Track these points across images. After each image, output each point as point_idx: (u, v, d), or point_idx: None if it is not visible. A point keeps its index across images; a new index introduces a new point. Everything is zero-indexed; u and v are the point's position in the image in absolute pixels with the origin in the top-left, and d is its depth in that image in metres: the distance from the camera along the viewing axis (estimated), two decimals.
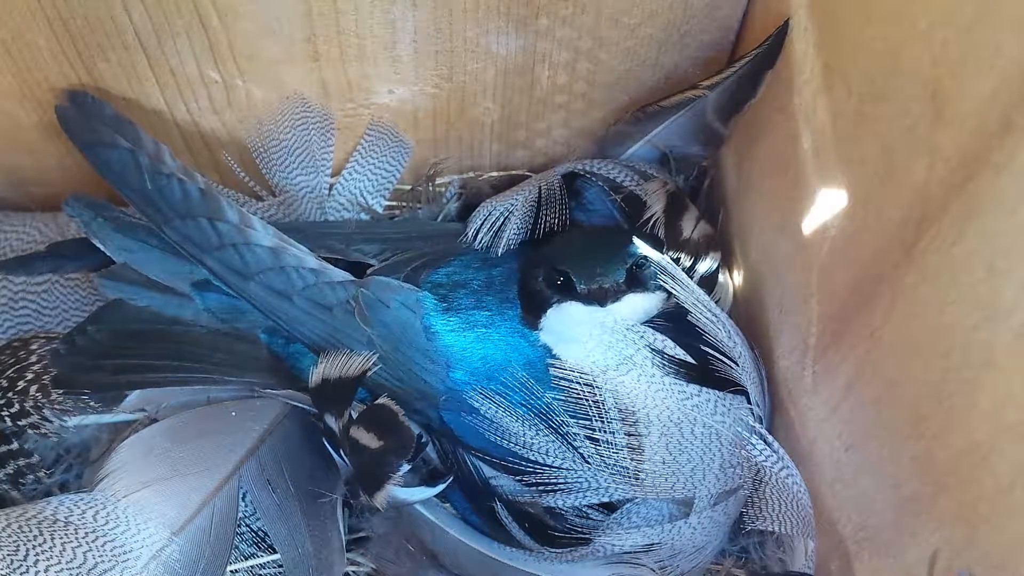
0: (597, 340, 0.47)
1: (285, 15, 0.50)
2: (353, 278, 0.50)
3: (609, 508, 0.48)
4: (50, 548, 0.44)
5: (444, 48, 0.53)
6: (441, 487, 0.49)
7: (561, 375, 0.47)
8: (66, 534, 0.45)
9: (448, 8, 0.50)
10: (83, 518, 0.46)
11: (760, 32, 0.50)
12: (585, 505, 0.48)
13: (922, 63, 0.35)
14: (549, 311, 0.49)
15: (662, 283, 0.48)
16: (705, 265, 0.53)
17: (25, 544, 0.44)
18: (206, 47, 0.51)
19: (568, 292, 0.48)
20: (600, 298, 0.48)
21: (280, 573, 0.50)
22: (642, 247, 0.49)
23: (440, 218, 0.61)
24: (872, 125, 0.39)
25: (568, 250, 0.50)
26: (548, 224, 0.54)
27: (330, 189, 0.59)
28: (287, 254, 0.49)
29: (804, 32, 0.45)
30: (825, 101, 0.43)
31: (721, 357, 0.48)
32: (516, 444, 0.47)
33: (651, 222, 0.53)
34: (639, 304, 0.49)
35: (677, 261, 0.51)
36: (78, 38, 0.50)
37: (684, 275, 0.49)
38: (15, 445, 0.51)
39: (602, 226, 0.54)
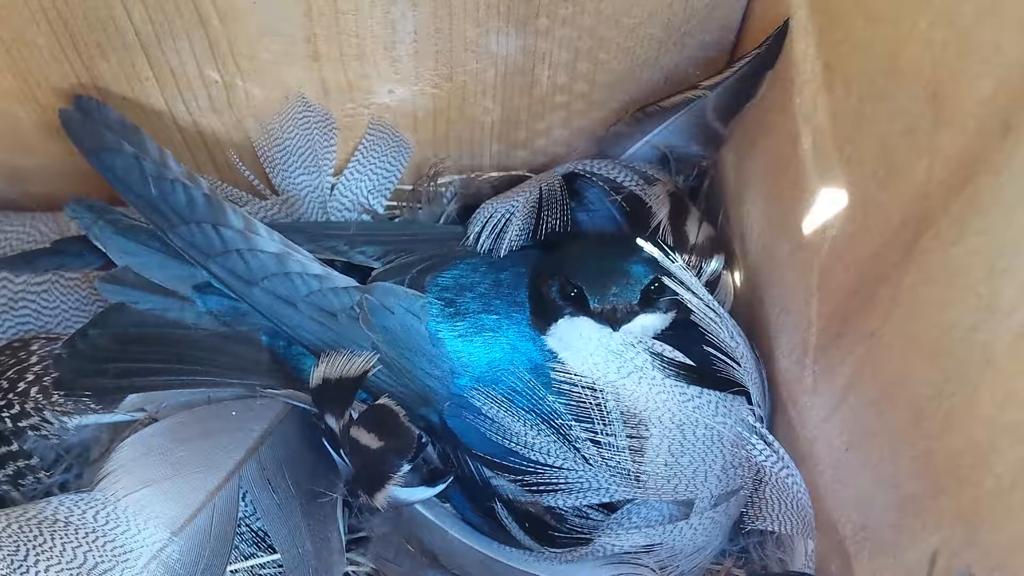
0: (598, 347, 0.47)
1: (285, 15, 0.50)
2: (357, 284, 0.50)
3: (610, 508, 0.48)
4: (50, 548, 0.44)
5: (444, 48, 0.53)
6: (441, 487, 0.49)
7: (564, 379, 0.47)
8: (66, 534, 0.45)
9: (448, 8, 0.50)
10: (83, 518, 0.46)
11: (760, 32, 0.50)
12: (585, 505, 0.48)
13: (922, 63, 0.35)
14: (560, 321, 0.49)
15: (674, 298, 0.48)
16: (711, 267, 0.53)
17: (25, 544, 0.44)
18: (206, 47, 0.51)
19: (581, 307, 0.48)
20: (612, 321, 0.47)
21: (280, 573, 0.50)
22: (654, 252, 0.48)
23: (441, 219, 0.61)
24: (872, 125, 0.39)
25: (584, 263, 0.49)
26: (550, 225, 0.54)
27: (332, 189, 0.59)
28: (291, 260, 0.49)
29: (804, 32, 0.45)
30: (825, 101, 0.43)
31: (723, 358, 0.48)
32: (518, 444, 0.47)
33: (659, 229, 0.53)
34: (649, 323, 0.49)
35: (686, 266, 0.50)
36: (78, 38, 0.50)
37: (694, 280, 0.49)
38: (15, 446, 0.51)
39: (620, 238, 0.53)
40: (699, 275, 0.52)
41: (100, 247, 0.50)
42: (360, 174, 0.60)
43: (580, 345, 0.48)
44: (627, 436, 0.47)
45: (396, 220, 0.63)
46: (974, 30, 0.32)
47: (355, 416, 0.48)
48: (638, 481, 0.47)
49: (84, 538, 0.45)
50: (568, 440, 0.47)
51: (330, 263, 0.51)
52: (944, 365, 0.35)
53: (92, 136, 0.49)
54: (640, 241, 0.48)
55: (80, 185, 0.56)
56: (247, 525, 0.51)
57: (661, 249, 0.48)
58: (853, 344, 0.42)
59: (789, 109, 0.47)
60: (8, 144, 0.57)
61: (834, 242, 0.43)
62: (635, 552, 0.48)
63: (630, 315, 0.48)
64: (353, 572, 0.52)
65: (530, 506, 0.49)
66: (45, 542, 0.44)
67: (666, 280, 0.48)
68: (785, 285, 0.49)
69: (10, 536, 0.44)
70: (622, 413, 0.47)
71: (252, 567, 0.51)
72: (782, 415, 0.51)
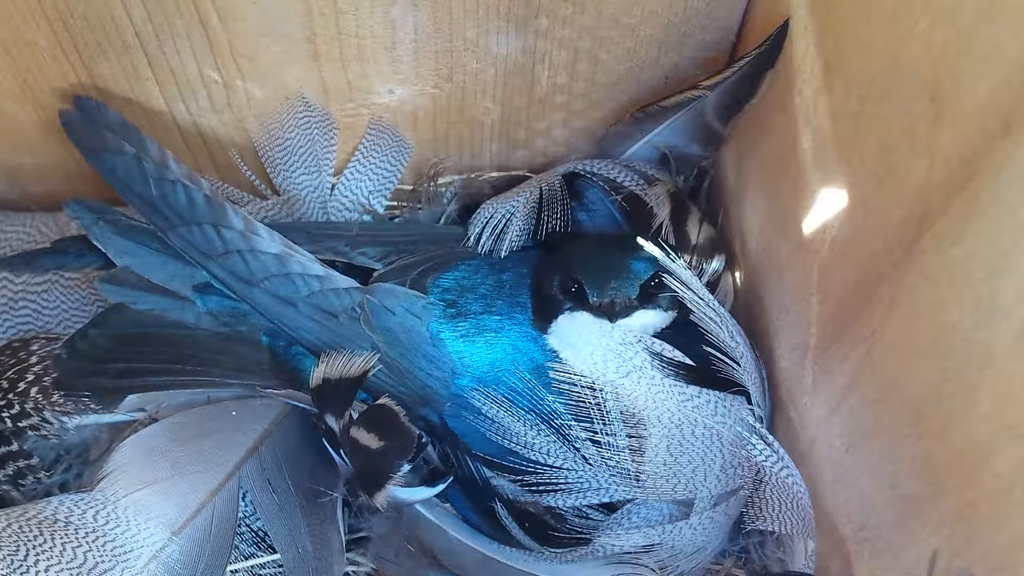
0: (597, 345, 0.47)
1: (285, 15, 0.50)
2: (358, 284, 0.50)
3: (609, 508, 0.48)
4: (50, 548, 0.44)
5: (444, 48, 0.53)
6: (441, 487, 0.49)
7: (563, 379, 0.47)
8: (66, 534, 0.45)
9: (448, 8, 0.50)
10: (83, 518, 0.46)
11: (760, 32, 0.50)
12: (585, 505, 0.48)
13: (922, 63, 0.35)
14: (560, 317, 0.49)
15: (674, 297, 0.48)
16: (712, 267, 0.53)
17: (25, 544, 0.44)
18: (206, 47, 0.51)
19: (580, 301, 0.48)
20: (610, 313, 0.48)
21: (280, 573, 0.50)
22: (655, 252, 0.48)
23: (442, 219, 0.61)
24: (872, 125, 0.39)
25: (585, 259, 0.50)
26: (550, 225, 0.54)
27: (332, 189, 0.59)
28: (292, 261, 0.49)
29: (804, 32, 0.45)
30: (825, 101, 0.43)
31: (723, 357, 0.48)
32: (518, 444, 0.47)
33: (661, 229, 0.53)
34: (648, 320, 0.49)
35: (688, 266, 0.51)
36: (78, 38, 0.50)
37: (695, 279, 0.49)
38: (15, 446, 0.51)
39: (622, 235, 0.53)
40: (700, 275, 0.52)
41: (100, 247, 0.50)
42: (360, 174, 0.60)
43: (580, 343, 0.48)
44: (627, 436, 0.47)
45: (396, 220, 0.63)
46: (974, 30, 0.32)
47: (355, 416, 0.48)
48: (638, 481, 0.47)
49: (84, 538, 0.45)
50: (568, 440, 0.47)
51: (331, 264, 0.51)
52: (944, 365, 0.35)
53: (92, 136, 0.49)
54: (641, 241, 0.48)
55: (80, 185, 0.56)
56: (247, 525, 0.51)
57: (663, 249, 0.48)
58: (853, 344, 0.42)
59: (789, 109, 0.47)
60: (8, 144, 0.57)
61: (834, 242, 0.43)
62: (635, 552, 0.48)
63: (628, 309, 0.48)
64: (353, 572, 0.52)
65: (530, 506, 0.49)
66: (45, 542, 0.44)
67: (667, 280, 0.48)
68: (785, 285, 0.49)
69: (10, 536, 0.44)
70: (621, 413, 0.47)
71: (252, 567, 0.51)
72: (782, 415, 0.51)
